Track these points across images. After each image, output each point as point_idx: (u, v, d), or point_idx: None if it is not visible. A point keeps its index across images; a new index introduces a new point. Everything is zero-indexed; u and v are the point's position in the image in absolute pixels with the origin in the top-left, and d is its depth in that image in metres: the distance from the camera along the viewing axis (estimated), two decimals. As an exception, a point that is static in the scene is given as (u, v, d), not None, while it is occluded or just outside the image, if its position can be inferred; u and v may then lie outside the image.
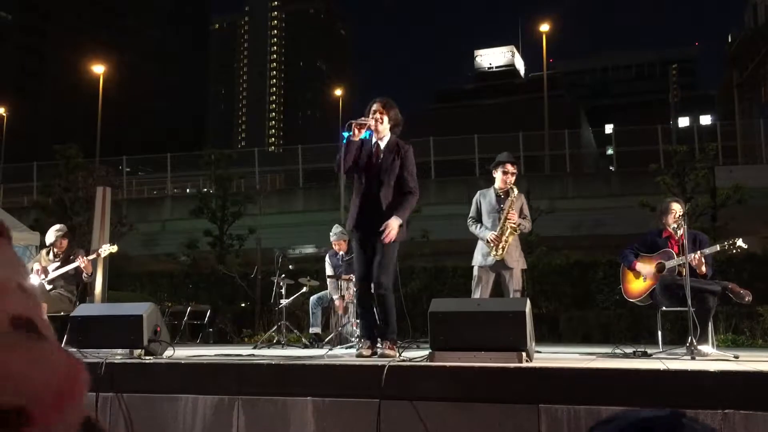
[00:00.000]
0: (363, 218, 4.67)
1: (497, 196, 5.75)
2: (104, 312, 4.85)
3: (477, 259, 5.74)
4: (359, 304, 4.99)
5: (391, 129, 4.81)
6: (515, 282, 5.61)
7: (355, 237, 4.82)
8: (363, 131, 4.68)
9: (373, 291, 4.69)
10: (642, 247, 5.49)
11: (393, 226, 4.56)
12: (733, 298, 5.16)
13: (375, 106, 4.78)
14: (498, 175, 5.78)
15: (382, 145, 4.77)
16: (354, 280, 4.97)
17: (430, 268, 13.95)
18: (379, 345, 4.69)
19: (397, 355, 4.45)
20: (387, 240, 4.54)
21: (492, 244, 5.56)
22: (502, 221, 5.59)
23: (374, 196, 4.65)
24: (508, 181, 5.73)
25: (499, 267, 5.63)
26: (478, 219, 5.81)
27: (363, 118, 4.72)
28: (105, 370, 3.94)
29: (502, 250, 5.54)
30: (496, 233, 5.58)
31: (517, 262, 5.67)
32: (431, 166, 23.27)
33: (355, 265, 4.88)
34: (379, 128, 4.75)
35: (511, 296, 5.51)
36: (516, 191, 5.70)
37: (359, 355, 4.59)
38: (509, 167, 5.75)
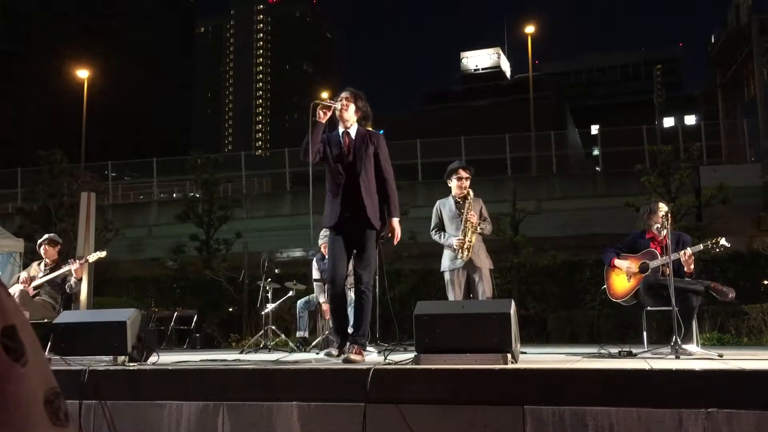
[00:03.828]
0: (345, 214, 4.52)
1: (456, 202, 5.89)
2: (87, 319, 4.81)
3: (445, 264, 5.86)
4: (332, 302, 4.76)
5: (358, 120, 4.73)
6: (485, 283, 5.73)
7: (337, 234, 4.62)
8: (328, 114, 4.59)
9: (352, 288, 4.63)
10: (624, 248, 5.53)
11: (397, 227, 4.61)
12: (716, 296, 5.20)
13: (343, 94, 4.74)
14: (453, 183, 5.92)
15: (352, 133, 4.67)
16: (328, 278, 4.72)
17: (418, 270, 13.95)
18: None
19: (364, 359, 4.28)
20: (396, 242, 4.62)
21: (458, 248, 5.69)
22: (463, 224, 5.73)
23: (353, 188, 4.52)
24: (463, 187, 5.86)
25: (469, 268, 5.75)
26: (441, 228, 5.96)
27: (328, 101, 4.67)
28: (88, 377, 3.90)
29: (468, 251, 5.67)
30: (459, 237, 5.71)
31: (485, 262, 5.80)
32: (418, 168, 23.30)
33: (331, 263, 4.64)
34: (344, 115, 4.65)
35: (480, 298, 5.61)
36: (472, 195, 5.84)
37: (328, 354, 4.57)
38: (462, 173, 5.90)
